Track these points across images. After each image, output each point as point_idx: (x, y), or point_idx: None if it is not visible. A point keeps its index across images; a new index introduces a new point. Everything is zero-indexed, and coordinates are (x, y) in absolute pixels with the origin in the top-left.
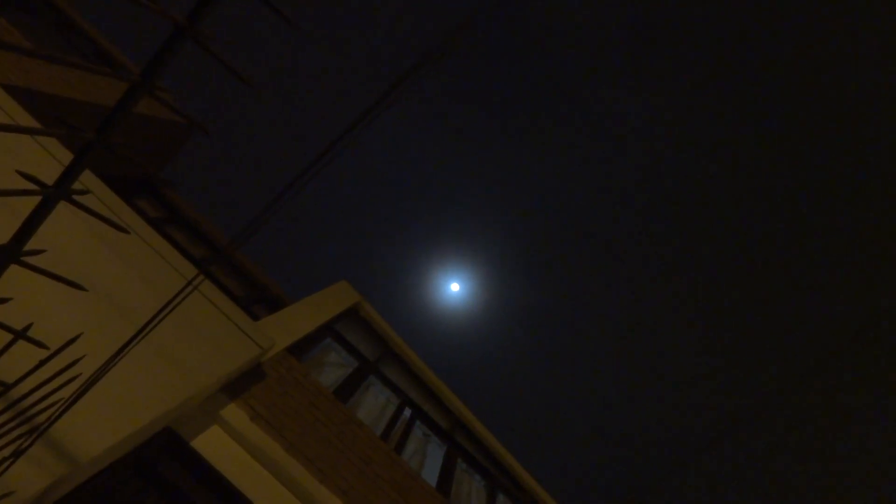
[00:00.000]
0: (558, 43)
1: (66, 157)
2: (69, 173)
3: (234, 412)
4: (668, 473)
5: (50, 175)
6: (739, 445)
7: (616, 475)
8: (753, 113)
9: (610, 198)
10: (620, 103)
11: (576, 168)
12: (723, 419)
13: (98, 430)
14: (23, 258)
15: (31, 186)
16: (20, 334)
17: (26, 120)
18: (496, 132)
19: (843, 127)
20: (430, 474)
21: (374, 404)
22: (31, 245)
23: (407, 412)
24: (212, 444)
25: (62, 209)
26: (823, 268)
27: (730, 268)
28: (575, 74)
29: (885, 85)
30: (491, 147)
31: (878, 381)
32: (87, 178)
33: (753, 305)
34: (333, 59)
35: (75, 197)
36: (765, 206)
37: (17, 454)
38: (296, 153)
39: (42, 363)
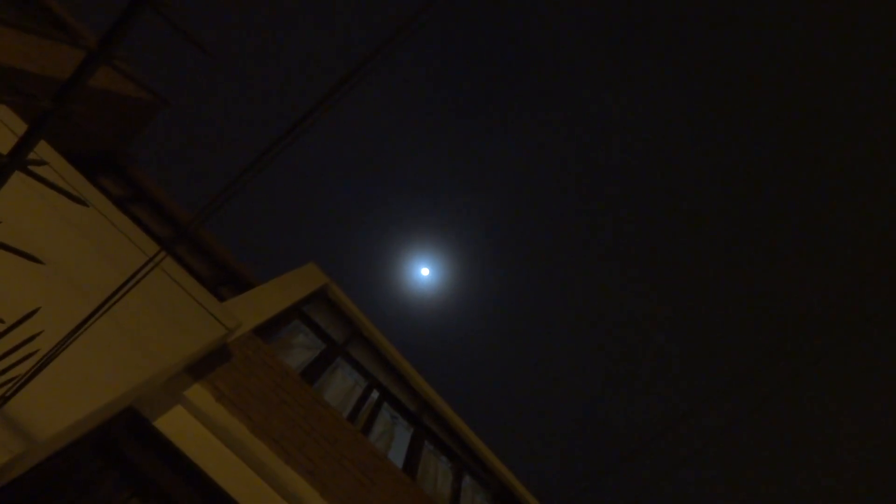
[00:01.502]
0: (535, 28)
1: (21, 128)
2: (25, 142)
3: (198, 393)
4: (632, 453)
5: (3, 147)
6: (703, 428)
7: (580, 456)
8: (732, 108)
9: (580, 186)
10: (596, 93)
11: (546, 155)
12: (687, 401)
13: (57, 407)
14: None
15: None
16: None
17: None
18: (468, 118)
19: (823, 125)
20: (397, 456)
21: (341, 386)
22: None
23: (374, 394)
24: (175, 425)
25: (17, 182)
26: (788, 258)
27: (697, 256)
28: (551, 62)
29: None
30: (463, 133)
31: (835, 370)
32: (46, 152)
33: (720, 292)
34: (302, 33)
35: (31, 168)
36: (735, 202)
37: None
38: (264, 131)
39: None
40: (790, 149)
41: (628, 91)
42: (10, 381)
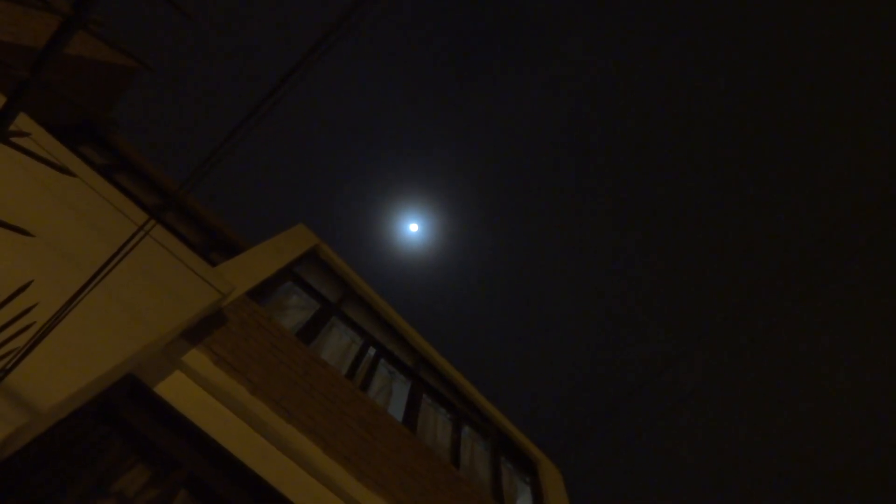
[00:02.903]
0: None
1: None
2: (5, 114)
3: (196, 357)
4: (625, 400)
5: None
6: (696, 370)
7: (576, 403)
8: (724, 57)
9: (569, 135)
10: (586, 48)
11: (537, 110)
12: (679, 345)
13: (57, 378)
14: None
15: None
16: None
17: None
18: (455, 72)
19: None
20: (397, 410)
21: (337, 345)
22: None
23: (371, 351)
24: (175, 390)
25: None
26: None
27: (688, 200)
28: (540, 13)
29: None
30: (449, 86)
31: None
32: (26, 123)
33: (710, 235)
34: None
35: (13, 140)
36: (724, 148)
37: None
38: (247, 93)
39: None
40: (780, 99)
41: (617, 40)
42: (8, 353)
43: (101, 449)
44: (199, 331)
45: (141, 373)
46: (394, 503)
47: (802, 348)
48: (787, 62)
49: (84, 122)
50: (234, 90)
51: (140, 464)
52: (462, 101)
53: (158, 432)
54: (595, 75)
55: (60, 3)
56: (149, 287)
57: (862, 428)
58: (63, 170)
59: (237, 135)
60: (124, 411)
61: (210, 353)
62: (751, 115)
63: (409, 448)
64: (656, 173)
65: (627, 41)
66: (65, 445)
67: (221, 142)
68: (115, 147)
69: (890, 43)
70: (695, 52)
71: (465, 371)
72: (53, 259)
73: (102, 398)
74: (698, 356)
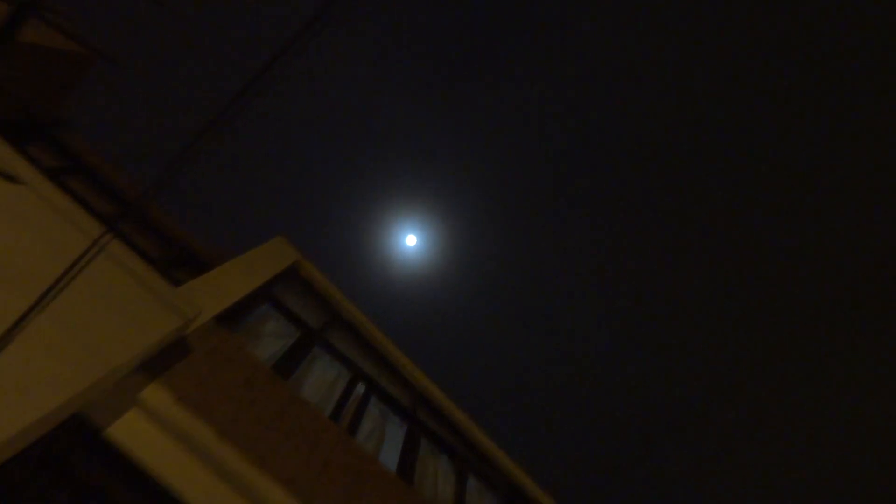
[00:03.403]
0: None
1: None
2: None
3: (155, 394)
4: (646, 444)
5: None
6: (718, 412)
7: (599, 447)
8: (735, 66)
9: (576, 147)
10: (593, 50)
11: (539, 115)
12: (700, 388)
13: None
14: None
15: None
16: None
17: None
18: (455, 72)
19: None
20: (390, 457)
21: (321, 379)
22: None
23: (360, 387)
24: (130, 432)
25: None
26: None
27: (701, 225)
28: (543, 16)
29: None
30: (449, 88)
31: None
32: None
33: (729, 262)
34: None
35: None
36: (741, 161)
37: None
38: (220, 88)
39: None
40: (812, 113)
41: (628, 45)
42: None
43: (45, 501)
44: (159, 363)
45: (90, 412)
46: None
47: (840, 387)
48: (828, 64)
49: (32, 119)
50: (206, 85)
51: None
52: (462, 103)
53: (110, 483)
54: (603, 79)
55: None
56: (101, 311)
57: None
58: (8, 177)
59: (208, 134)
60: (71, 457)
61: (171, 389)
62: (781, 130)
63: (404, 503)
64: (660, 181)
65: (638, 46)
66: (3, 494)
67: (190, 142)
68: (67, 147)
69: None
70: (716, 56)
71: (470, 411)
72: None
73: (47, 441)
74: (731, 396)
